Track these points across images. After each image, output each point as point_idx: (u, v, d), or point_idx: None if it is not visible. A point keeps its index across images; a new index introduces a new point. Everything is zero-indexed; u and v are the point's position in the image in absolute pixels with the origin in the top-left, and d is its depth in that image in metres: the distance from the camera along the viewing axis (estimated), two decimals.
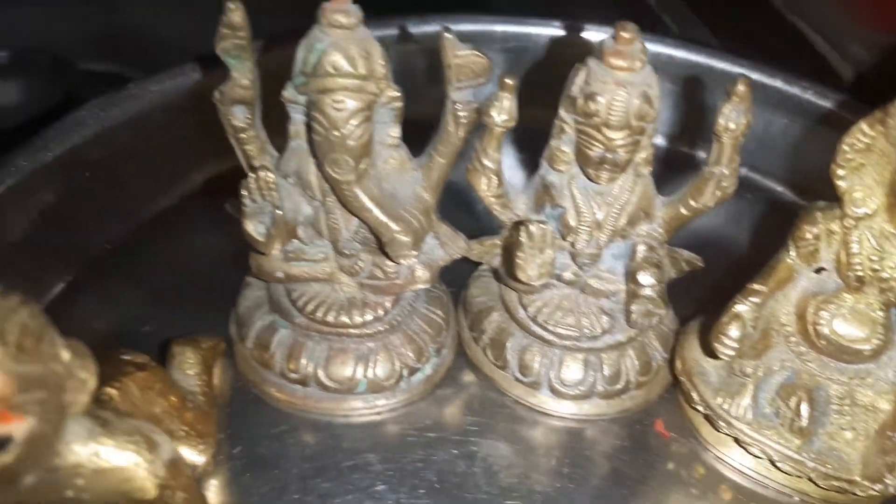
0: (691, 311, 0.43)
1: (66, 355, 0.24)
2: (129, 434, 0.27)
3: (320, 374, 0.40)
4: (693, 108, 0.55)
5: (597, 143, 0.33)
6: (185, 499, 0.28)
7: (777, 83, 0.51)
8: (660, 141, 0.57)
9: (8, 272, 0.40)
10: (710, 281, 0.45)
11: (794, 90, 0.51)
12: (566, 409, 0.41)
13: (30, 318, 0.22)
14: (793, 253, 0.35)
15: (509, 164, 0.54)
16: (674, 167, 0.55)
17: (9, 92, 0.74)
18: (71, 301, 0.44)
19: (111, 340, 0.42)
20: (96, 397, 0.29)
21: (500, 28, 0.54)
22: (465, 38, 0.49)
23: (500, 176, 0.37)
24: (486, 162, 0.36)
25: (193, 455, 0.36)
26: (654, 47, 0.54)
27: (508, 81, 0.34)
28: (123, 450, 0.26)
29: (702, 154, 0.57)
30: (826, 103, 0.50)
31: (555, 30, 0.55)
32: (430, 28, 0.52)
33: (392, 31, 0.52)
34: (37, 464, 0.24)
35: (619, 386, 0.41)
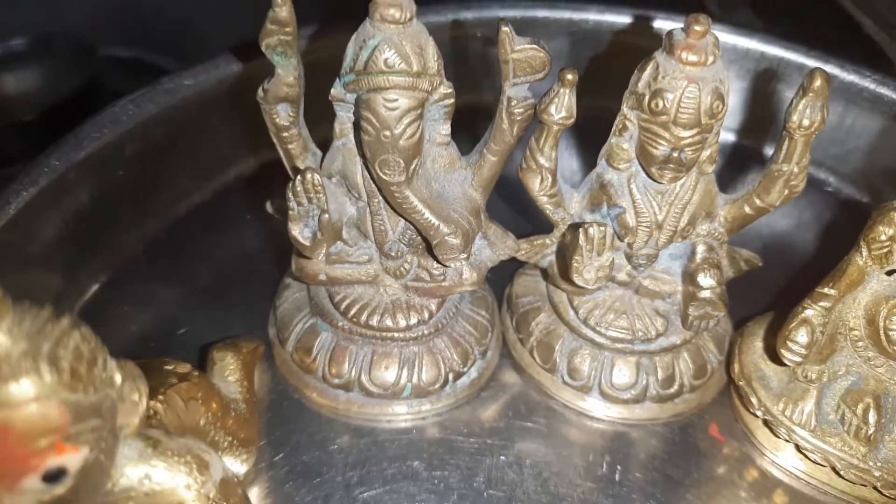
0: (747, 311, 0.42)
1: (118, 379, 0.22)
2: (181, 455, 0.26)
3: (363, 378, 0.39)
4: (745, 96, 0.52)
5: (663, 142, 0.32)
6: None
7: (834, 70, 0.49)
8: (729, 136, 0.55)
9: (43, 273, 0.39)
10: (766, 280, 0.44)
11: (852, 77, 0.48)
12: (617, 413, 0.40)
13: (83, 343, 0.21)
14: (864, 254, 0.34)
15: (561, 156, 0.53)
16: (733, 162, 0.53)
17: (30, 78, 0.73)
18: (107, 301, 0.43)
19: (148, 343, 0.41)
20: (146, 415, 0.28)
21: (560, 15, 0.52)
22: (524, 24, 0.47)
23: (554, 175, 0.35)
24: (541, 160, 0.34)
25: (236, 464, 0.35)
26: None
27: (569, 76, 0.32)
28: (175, 471, 0.25)
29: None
30: (887, 91, 0.47)
31: (617, 16, 0.52)
32: (488, 13, 0.50)
33: (449, 17, 0.50)
34: (92, 492, 0.23)
35: (672, 390, 0.39)
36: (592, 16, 0.52)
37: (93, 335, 0.22)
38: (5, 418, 0.19)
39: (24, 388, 0.19)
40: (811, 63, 0.49)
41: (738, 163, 0.53)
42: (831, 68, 0.48)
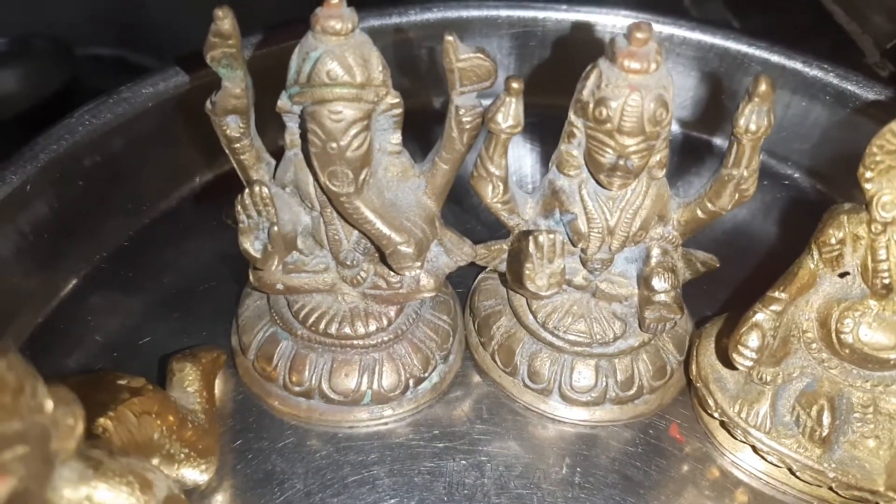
0: (707, 309, 0.42)
1: (49, 405, 0.23)
2: (123, 475, 0.26)
3: (324, 386, 0.39)
4: (707, 91, 0.52)
5: (608, 150, 0.32)
6: None
7: (797, 65, 0.48)
8: (675, 128, 0.55)
9: (5, 286, 0.39)
10: (728, 279, 0.44)
11: (814, 72, 0.48)
12: (577, 415, 0.40)
13: (7, 372, 0.21)
14: (816, 257, 0.34)
15: (516, 154, 0.53)
16: (689, 154, 0.53)
17: (9, 79, 0.73)
18: (70, 312, 0.43)
19: (111, 353, 0.41)
20: (90, 431, 0.28)
21: (505, 13, 0.51)
22: (470, 24, 0.46)
23: (506, 182, 0.35)
24: (491, 169, 0.34)
25: (196, 475, 0.35)
26: (666, 29, 0.51)
27: (514, 85, 0.32)
28: (117, 492, 0.25)
29: (716, 140, 0.55)
30: (849, 86, 0.47)
31: (563, 13, 0.52)
32: (433, 16, 0.50)
33: (393, 21, 0.50)
34: None
35: (632, 391, 0.39)
36: (537, 13, 0.51)
37: (22, 362, 0.22)
38: None
39: None
40: (775, 58, 0.49)
41: (694, 154, 0.53)
42: (794, 63, 0.48)
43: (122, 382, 0.33)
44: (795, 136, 0.50)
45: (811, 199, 0.51)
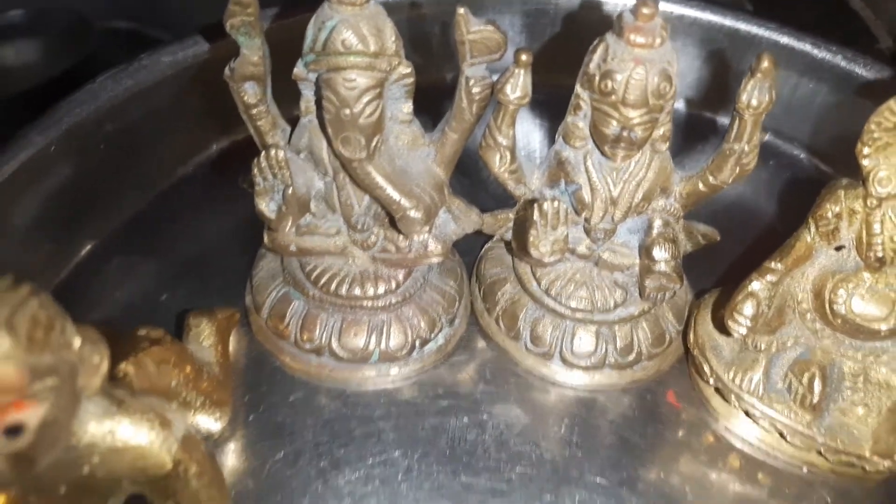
0: (707, 282, 0.43)
1: (77, 342, 0.24)
2: (144, 412, 0.27)
3: (334, 344, 0.40)
4: (716, 72, 0.53)
5: (613, 121, 0.33)
6: (199, 472, 0.29)
7: (805, 47, 0.49)
8: (681, 105, 0.55)
9: (27, 245, 0.41)
10: (727, 251, 0.45)
11: (822, 54, 0.49)
12: (577, 379, 0.41)
13: (40, 309, 0.23)
14: (812, 231, 0.35)
15: (525, 129, 0.54)
16: (695, 133, 0.54)
17: (27, 52, 0.74)
18: (91, 272, 0.44)
19: (130, 311, 0.43)
20: (112, 375, 0.30)
21: None
22: (484, 1, 0.47)
23: (513, 152, 0.36)
24: (499, 139, 0.35)
25: (210, 423, 0.37)
26: (678, 9, 0.52)
27: (523, 57, 0.33)
28: (138, 428, 0.27)
29: (723, 120, 0.56)
30: (857, 69, 0.48)
31: None
32: None
33: None
34: (53, 446, 0.25)
35: (630, 358, 0.41)
36: None
37: (52, 302, 0.24)
38: None
39: None
40: (784, 40, 0.49)
41: (699, 133, 0.54)
42: (803, 45, 0.49)
43: (142, 333, 0.35)
44: (803, 118, 0.51)
45: (815, 179, 0.52)
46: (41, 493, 0.28)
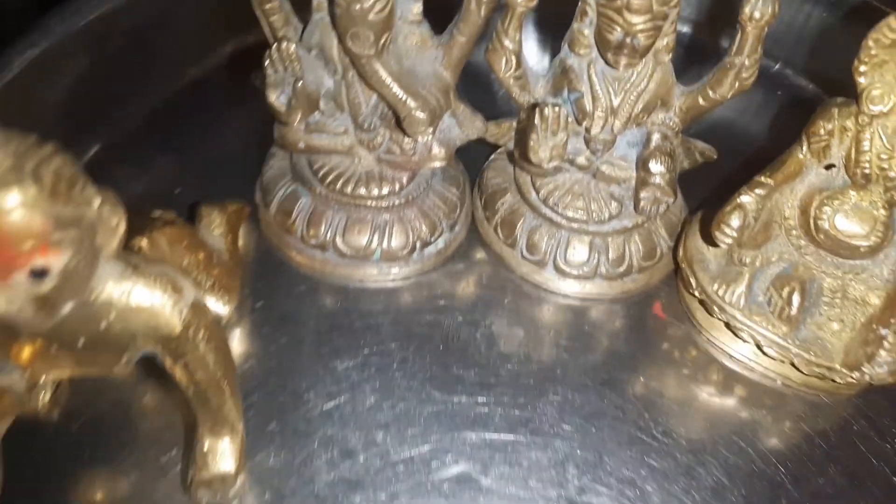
0: (702, 201, 0.44)
1: (97, 201, 0.26)
2: (158, 276, 0.29)
3: (338, 241, 0.42)
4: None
5: (617, 27, 0.33)
6: (207, 336, 0.31)
7: None
8: (684, 28, 0.55)
9: (45, 133, 0.43)
10: (724, 172, 0.46)
11: None
12: (569, 287, 0.43)
13: (63, 166, 0.25)
14: (805, 147, 0.35)
15: (532, 47, 0.54)
16: (697, 57, 0.54)
17: None
18: (106, 163, 0.46)
19: (145, 201, 0.45)
20: (129, 247, 0.32)
21: None
22: None
23: (519, 57, 0.37)
24: (506, 42, 0.36)
25: (218, 306, 0.40)
26: None
27: None
28: (152, 290, 0.29)
29: (726, 45, 0.56)
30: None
31: None
32: None
33: None
34: (72, 295, 0.27)
35: (621, 269, 0.42)
36: None
37: (73, 162, 0.25)
38: None
39: (11, 197, 0.23)
40: None
41: (700, 57, 0.54)
42: None
43: (156, 215, 0.37)
44: (802, 44, 0.51)
45: (815, 104, 0.53)
46: (63, 345, 0.30)
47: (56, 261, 0.25)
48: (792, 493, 0.38)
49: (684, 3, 0.50)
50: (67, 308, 0.27)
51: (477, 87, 0.49)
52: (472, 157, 0.46)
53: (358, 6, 0.33)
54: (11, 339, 0.30)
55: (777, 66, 0.55)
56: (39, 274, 0.24)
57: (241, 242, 0.44)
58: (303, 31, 0.38)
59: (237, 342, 0.41)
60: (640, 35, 0.33)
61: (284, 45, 0.35)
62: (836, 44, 0.50)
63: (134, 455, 0.37)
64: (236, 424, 0.35)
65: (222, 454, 0.35)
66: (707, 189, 0.44)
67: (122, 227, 0.27)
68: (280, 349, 0.41)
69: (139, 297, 0.29)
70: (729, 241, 0.36)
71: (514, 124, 0.41)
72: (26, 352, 0.31)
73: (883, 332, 0.35)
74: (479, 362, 0.41)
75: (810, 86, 0.54)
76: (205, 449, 0.35)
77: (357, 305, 0.43)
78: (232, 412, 0.35)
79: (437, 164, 0.41)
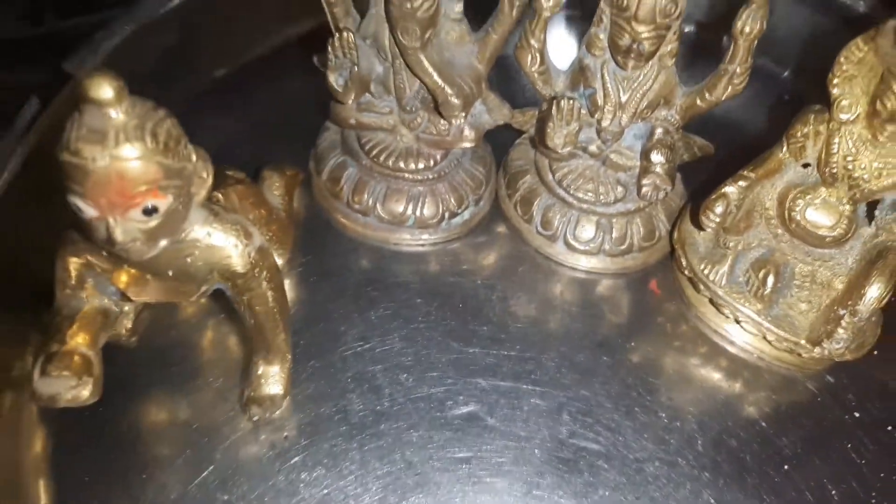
0: (700, 191, 0.50)
1: (194, 156, 0.33)
2: (233, 223, 0.36)
3: (378, 207, 0.48)
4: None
5: (626, 34, 0.39)
6: (269, 276, 0.38)
7: None
8: (689, 28, 0.60)
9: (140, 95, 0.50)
10: (723, 165, 0.51)
11: None
12: (576, 261, 0.49)
13: (173, 127, 0.31)
14: (784, 147, 0.41)
15: (559, 42, 0.60)
16: (700, 54, 0.59)
17: None
18: (184, 126, 0.53)
19: (216, 160, 0.52)
20: (209, 197, 0.39)
21: None
22: None
23: (543, 55, 0.43)
24: (532, 42, 0.42)
25: (275, 257, 0.46)
26: None
27: None
28: (227, 234, 0.36)
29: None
30: (858, 5, 0.52)
31: None
32: None
33: None
34: (171, 232, 0.33)
35: (623, 247, 0.48)
36: None
37: (179, 125, 0.32)
38: (121, 168, 0.30)
39: (134, 149, 0.29)
40: None
41: (708, 53, 0.59)
42: None
43: (230, 173, 0.44)
44: (820, 54, 0.56)
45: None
46: (155, 274, 0.37)
47: (163, 202, 0.31)
48: (756, 451, 0.43)
49: (691, 4, 0.56)
50: (164, 242, 0.34)
51: (507, 78, 0.55)
52: (500, 141, 0.52)
53: (409, 4, 0.39)
54: (115, 267, 0.37)
55: (786, 74, 0.60)
56: (150, 212, 0.31)
57: (295, 203, 0.50)
58: (360, 23, 0.44)
59: (288, 289, 0.46)
60: (645, 42, 0.39)
61: (345, 35, 0.42)
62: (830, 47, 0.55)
63: (197, 380, 0.44)
64: (286, 354, 0.42)
65: (273, 378, 0.42)
66: (707, 180, 0.49)
67: (210, 180, 0.34)
68: (323, 297, 0.47)
69: (218, 239, 0.36)
70: (713, 225, 0.42)
71: (537, 113, 0.47)
72: (125, 277, 0.38)
73: (841, 312, 0.41)
74: (493, 320, 0.47)
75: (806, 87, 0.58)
76: (259, 372, 0.42)
77: (391, 265, 0.49)
78: (283, 344, 0.41)
79: (468, 144, 0.47)
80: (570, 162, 0.47)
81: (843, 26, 0.54)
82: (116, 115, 0.29)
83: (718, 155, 0.49)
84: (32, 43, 0.74)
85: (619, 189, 0.47)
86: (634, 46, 0.39)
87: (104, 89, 0.29)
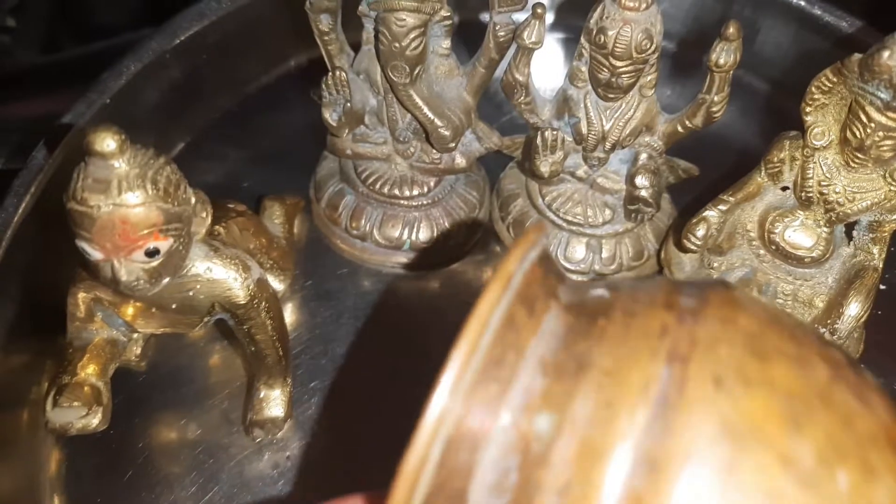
0: (687, 211, 0.51)
1: (193, 199, 0.35)
2: (232, 258, 0.38)
3: (375, 232, 0.50)
4: (709, 17, 0.60)
5: (604, 69, 0.41)
6: (267, 307, 0.40)
7: (799, 2, 0.55)
8: (671, 45, 0.61)
9: (144, 132, 0.52)
10: (709, 185, 0.52)
11: (815, 11, 0.55)
12: None
13: (172, 173, 0.33)
14: (763, 172, 0.42)
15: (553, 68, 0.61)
16: (681, 71, 0.61)
17: None
18: (190, 157, 0.55)
19: (219, 190, 0.54)
20: (210, 232, 0.41)
21: None
22: None
23: (528, 87, 0.44)
24: (517, 76, 0.44)
25: (276, 283, 0.48)
26: None
27: (538, 10, 0.41)
28: (227, 268, 0.38)
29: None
30: (841, 24, 0.54)
31: None
32: None
33: None
34: (172, 270, 0.35)
35: (613, 267, 0.49)
36: None
37: (178, 170, 0.34)
38: (124, 214, 0.32)
39: (136, 196, 0.32)
40: (793, 0, 0.55)
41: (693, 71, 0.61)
42: (808, 4, 0.55)
43: (231, 206, 0.46)
44: (807, 72, 0.57)
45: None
46: (159, 307, 0.39)
47: (164, 244, 0.33)
48: None
49: (672, 21, 0.57)
50: (166, 280, 0.36)
51: (497, 107, 0.57)
52: (493, 165, 0.54)
53: (397, 44, 0.41)
54: (122, 301, 0.40)
55: (773, 91, 0.61)
56: (152, 253, 0.33)
57: (295, 230, 0.52)
58: (354, 59, 0.46)
59: (289, 313, 0.49)
60: (623, 76, 0.40)
61: (338, 73, 0.44)
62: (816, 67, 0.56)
63: (203, 401, 0.46)
64: (286, 379, 0.44)
65: (274, 402, 0.44)
66: (694, 201, 0.51)
67: (209, 219, 0.36)
68: (324, 320, 0.49)
69: (218, 273, 0.38)
70: (695, 248, 0.43)
71: (525, 139, 0.48)
72: (132, 310, 0.40)
73: (822, 330, 0.42)
74: None
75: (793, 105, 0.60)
76: (260, 396, 0.44)
77: (388, 287, 0.51)
78: (283, 369, 0.43)
79: (460, 171, 0.49)
80: (559, 186, 0.49)
81: (829, 45, 0.55)
82: (119, 165, 0.31)
83: (706, 174, 0.50)
84: (49, 69, 0.77)
85: (608, 211, 0.48)
86: (613, 80, 0.41)
87: (107, 143, 0.31)
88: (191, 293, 0.38)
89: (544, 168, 0.44)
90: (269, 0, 0.55)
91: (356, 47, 0.46)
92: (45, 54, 0.83)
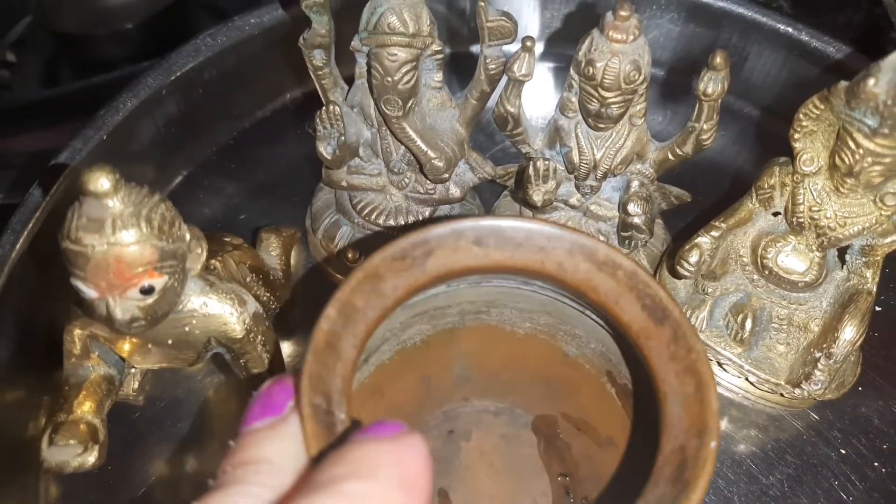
0: (681, 236, 0.51)
1: (187, 236, 0.35)
2: (227, 293, 0.38)
3: None
4: (698, 44, 0.61)
5: (594, 100, 0.41)
6: (263, 340, 0.40)
7: (781, 27, 0.56)
8: (660, 72, 0.62)
9: (141, 166, 0.53)
10: (704, 208, 0.53)
11: (802, 37, 0.55)
12: None
13: (166, 211, 0.34)
14: (754, 198, 0.43)
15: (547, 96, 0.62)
16: (670, 97, 0.62)
17: None
18: (187, 190, 0.56)
19: (216, 223, 0.54)
20: (206, 267, 0.41)
21: None
22: None
23: (519, 119, 0.45)
24: (508, 107, 0.44)
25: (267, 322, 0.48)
26: None
27: (528, 43, 0.41)
28: (223, 303, 0.38)
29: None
30: (831, 51, 0.54)
31: None
32: None
33: None
34: (168, 306, 0.36)
35: None
36: None
37: (173, 207, 0.34)
38: (119, 253, 0.32)
39: (130, 235, 0.32)
40: (780, 27, 0.56)
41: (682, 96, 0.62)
42: (765, 19, 0.56)
43: (227, 239, 0.46)
44: (798, 98, 0.58)
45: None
46: (156, 343, 0.39)
47: (159, 281, 0.34)
48: (744, 490, 0.44)
49: (661, 49, 0.58)
50: (163, 316, 0.36)
51: (489, 137, 0.58)
52: (488, 195, 0.54)
53: (390, 79, 0.42)
54: (118, 338, 0.40)
55: (765, 117, 0.62)
56: (147, 291, 0.33)
57: (292, 261, 0.53)
58: (347, 92, 0.47)
59: (286, 345, 0.50)
60: (612, 106, 0.41)
61: (331, 107, 0.44)
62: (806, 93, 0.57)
63: (201, 434, 0.46)
64: None
65: None
66: (689, 226, 0.51)
67: (204, 256, 0.36)
68: None
69: (214, 308, 0.38)
70: (688, 274, 0.43)
71: (517, 168, 0.49)
72: (128, 346, 0.40)
73: (817, 355, 0.42)
74: None
75: (779, 127, 0.60)
76: None
77: None
78: None
79: (455, 201, 0.49)
80: (553, 213, 0.49)
81: (818, 71, 0.56)
82: (113, 204, 0.32)
83: (698, 199, 0.50)
84: (49, 104, 0.78)
85: (601, 238, 0.48)
86: (603, 110, 0.41)
87: (101, 182, 0.31)
88: (187, 329, 0.38)
89: (537, 197, 0.45)
90: (263, 36, 0.56)
91: (350, 81, 0.47)
92: (44, 88, 0.84)
